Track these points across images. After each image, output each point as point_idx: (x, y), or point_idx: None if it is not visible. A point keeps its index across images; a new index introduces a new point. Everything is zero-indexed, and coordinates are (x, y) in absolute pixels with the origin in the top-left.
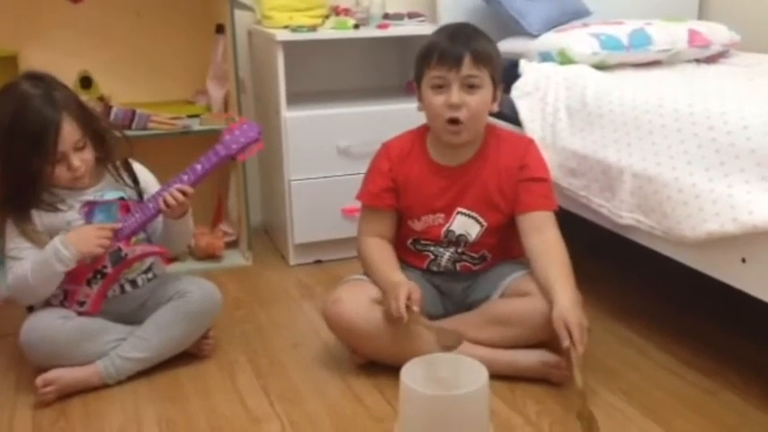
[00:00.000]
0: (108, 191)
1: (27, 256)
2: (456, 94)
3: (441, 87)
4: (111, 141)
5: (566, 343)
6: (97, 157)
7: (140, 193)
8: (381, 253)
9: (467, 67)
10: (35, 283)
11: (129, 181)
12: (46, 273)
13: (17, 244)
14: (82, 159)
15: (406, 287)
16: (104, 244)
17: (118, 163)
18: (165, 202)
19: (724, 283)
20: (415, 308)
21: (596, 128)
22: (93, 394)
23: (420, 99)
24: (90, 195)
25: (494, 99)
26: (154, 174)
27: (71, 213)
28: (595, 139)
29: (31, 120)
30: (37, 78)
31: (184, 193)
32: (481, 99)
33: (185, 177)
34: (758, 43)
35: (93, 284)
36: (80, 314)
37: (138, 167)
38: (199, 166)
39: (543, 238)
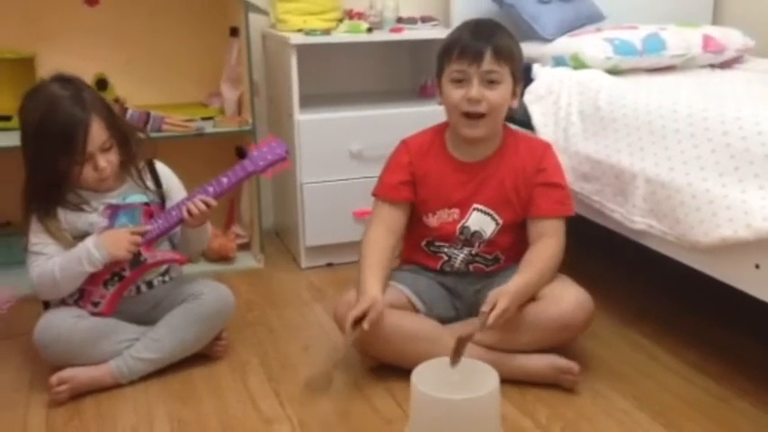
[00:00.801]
0: (130, 194)
1: (50, 252)
2: (476, 89)
3: (461, 81)
4: (134, 143)
5: (485, 309)
6: (120, 159)
7: (162, 196)
8: (375, 251)
9: (487, 63)
10: (62, 280)
11: (151, 184)
12: (74, 271)
13: (41, 239)
14: (108, 160)
15: (367, 304)
16: (134, 249)
17: (141, 165)
18: (188, 211)
19: (735, 288)
20: (365, 325)
21: (609, 132)
22: (106, 393)
23: (440, 94)
24: (113, 198)
25: (513, 95)
26: None
27: (94, 215)
28: (608, 144)
29: (60, 120)
30: (65, 80)
31: (208, 205)
32: (500, 95)
33: (210, 189)
34: None
35: (110, 286)
36: (93, 314)
37: (162, 169)
38: (225, 180)
39: (543, 242)
